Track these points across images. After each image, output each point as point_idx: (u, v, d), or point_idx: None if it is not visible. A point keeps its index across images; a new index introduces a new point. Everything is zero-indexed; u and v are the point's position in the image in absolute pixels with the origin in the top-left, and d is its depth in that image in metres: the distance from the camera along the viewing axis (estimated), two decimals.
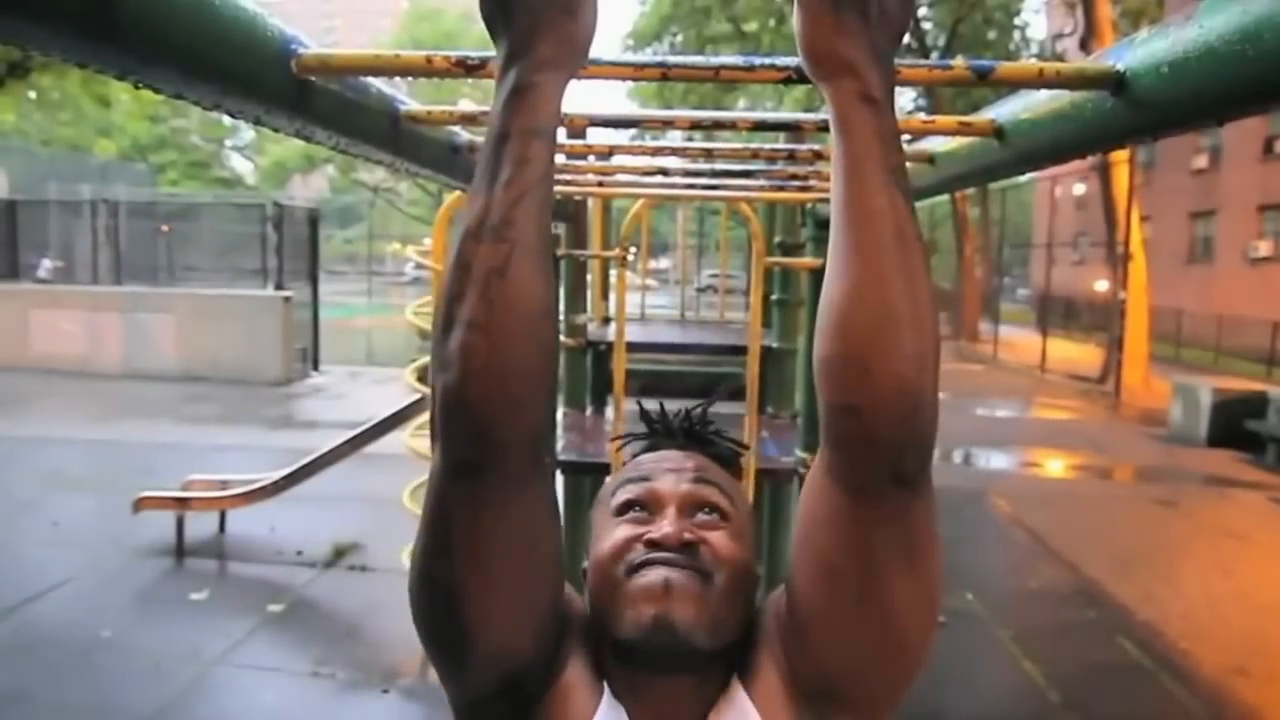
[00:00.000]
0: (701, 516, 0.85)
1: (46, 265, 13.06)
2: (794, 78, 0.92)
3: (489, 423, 0.67)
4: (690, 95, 18.93)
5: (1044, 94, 1.09)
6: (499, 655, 0.78)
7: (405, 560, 3.08)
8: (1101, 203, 14.14)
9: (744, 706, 0.81)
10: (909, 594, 0.74)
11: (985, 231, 21.40)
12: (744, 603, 0.84)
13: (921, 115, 1.18)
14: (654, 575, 0.79)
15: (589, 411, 4.42)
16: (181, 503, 4.73)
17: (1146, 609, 4.62)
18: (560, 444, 3.54)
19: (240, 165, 34.65)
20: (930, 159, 1.60)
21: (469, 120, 1.65)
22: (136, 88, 0.93)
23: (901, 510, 0.72)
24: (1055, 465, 8.33)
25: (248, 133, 34.00)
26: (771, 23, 19.96)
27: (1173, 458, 8.66)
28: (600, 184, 2.63)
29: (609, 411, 4.40)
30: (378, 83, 1.26)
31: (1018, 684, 3.79)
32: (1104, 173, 13.76)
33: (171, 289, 11.88)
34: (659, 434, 0.98)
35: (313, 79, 1.03)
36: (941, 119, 1.33)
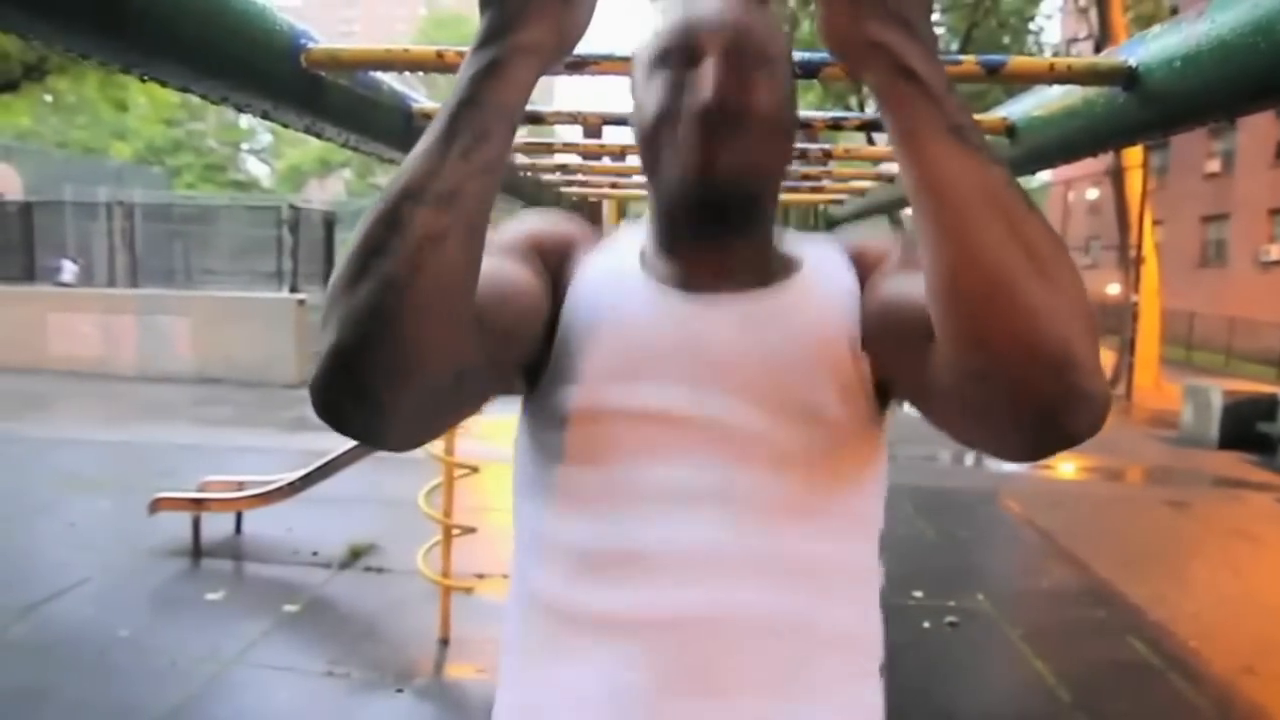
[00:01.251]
0: (745, 63, 0.79)
1: (70, 268, 13.14)
2: (798, 74, 0.93)
3: (378, 390, 0.62)
4: None
5: (1056, 91, 1.09)
6: (509, 357, 0.79)
7: (421, 562, 3.12)
8: (1114, 207, 14.10)
9: (798, 290, 0.83)
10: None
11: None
12: (787, 145, 0.84)
13: None
14: (702, 154, 0.76)
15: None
16: (198, 504, 4.74)
17: (1157, 609, 4.61)
18: None
19: (256, 169, 34.90)
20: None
21: None
22: (143, 81, 0.92)
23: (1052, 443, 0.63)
24: (1066, 467, 8.31)
25: (264, 136, 34.24)
26: (785, 28, 19.96)
27: (1184, 460, 8.65)
28: (615, 185, 2.63)
29: None
30: (390, 81, 1.25)
31: (1028, 683, 3.78)
32: (1117, 177, 13.76)
33: (187, 291, 11.94)
34: None
35: (323, 75, 1.03)
36: None
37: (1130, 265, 13.19)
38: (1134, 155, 12.84)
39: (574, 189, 2.63)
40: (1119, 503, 7.28)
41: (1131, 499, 7.53)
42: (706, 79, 0.77)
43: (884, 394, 0.83)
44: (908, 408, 0.83)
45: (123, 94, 13.38)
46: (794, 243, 0.90)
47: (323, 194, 30.35)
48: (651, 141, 0.81)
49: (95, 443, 7.39)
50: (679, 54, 0.80)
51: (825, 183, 2.36)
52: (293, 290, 11.60)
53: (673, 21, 0.83)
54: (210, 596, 4.24)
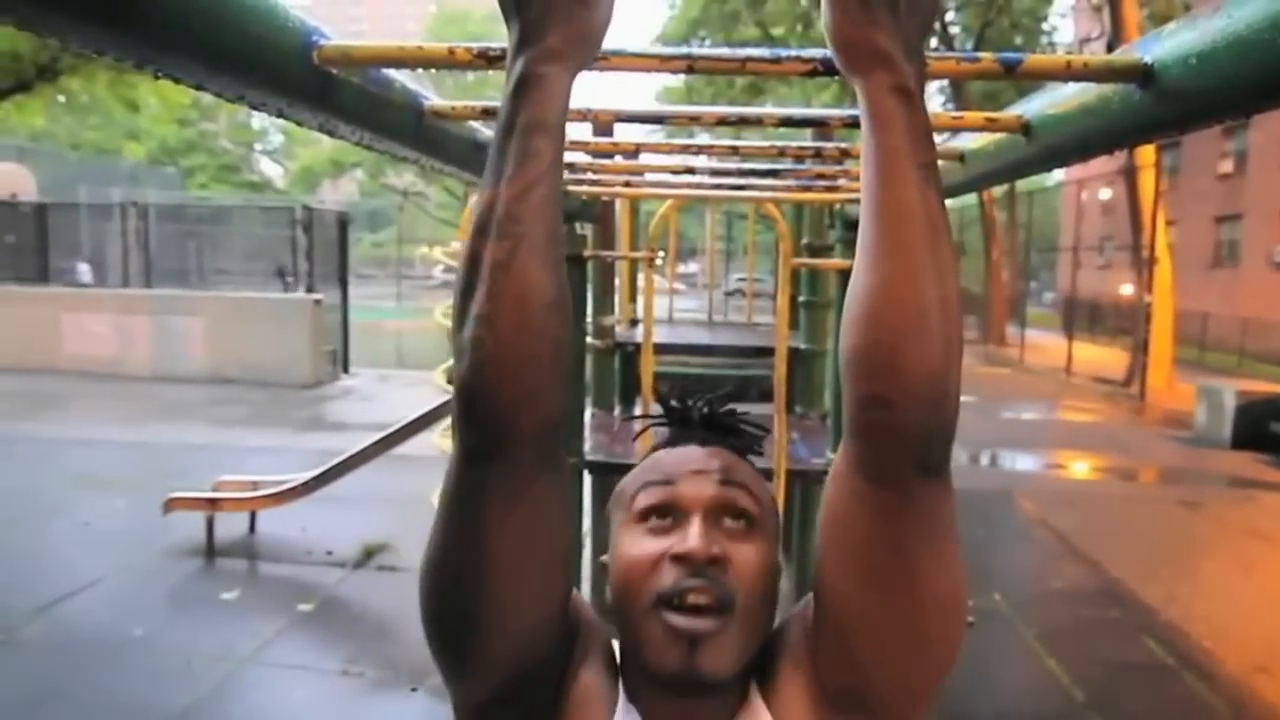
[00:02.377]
0: (728, 523, 0.81)
1: (83, 269, 13.20)
2: (820, 70, 0.91)
3: (500, 413, 0.67)
4: (718, 98, 18.96)
5: (1071, 89, 1.07)
6: (505, 653, 0.77)
7: None
8: (1128, 207, 14.07)
9: (763, 717, 0.81)
10: (937, 584, 0.74)
11: (1012, 235, 21.27)
12: (768, 612, 0.83)
13: (950, 111, 1.19)
14: (682, 624, 0.76)
15: (617, 412, 4.44)
16: (212, 504, 4.77)
17: (1170, 609, 4.60)
18: (588, 445, 3.55)
19: (270, 169, 35.02)
20: (960, 156, 1.59)
21: (493, 115, 1.62)
22: (156, 77, 0.92)
23: (927, 499, 0.72)
24: (1080, 467, 8.30)
25: (277, 137, 34.32)
26: (799, 27, 19.98)
27: (1197, 460, 8.62)
28: (627, 184, 2.63)
29: (637, 412, 4.40)
30: (401, 78, 1.25)
31: (1042, 683, 3.79)
32: (1130, 177, 13.74)
33: (201, 292, 12.00)
34: (680, 423, 0.94)
35: (335, 72, 1.02)
36: (969, 114, 1.31)
37: (1143, 265, 13.16)
38: (1147, 155, 12.79)
39: (586, 188, 2.62)
40: (1132, 503, 7.25)
41: (1145, 499, 7.50)
42: (690, 534, 0.79)
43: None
44: None
45: (133, 93, 13.36)
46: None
47: (335, 194, 30.58)
48: (628, 599, 0.81)
49: (109, 443, 7.44)
50: (662, 511, 0.83)
51: (841, 182, 2.34)
52: (308, 290, 11.62)
53: (656, 479, 0.85)
54: (224, 596, 4.27)
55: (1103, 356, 15.88)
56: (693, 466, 0.85)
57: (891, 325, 0.67)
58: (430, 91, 1.36)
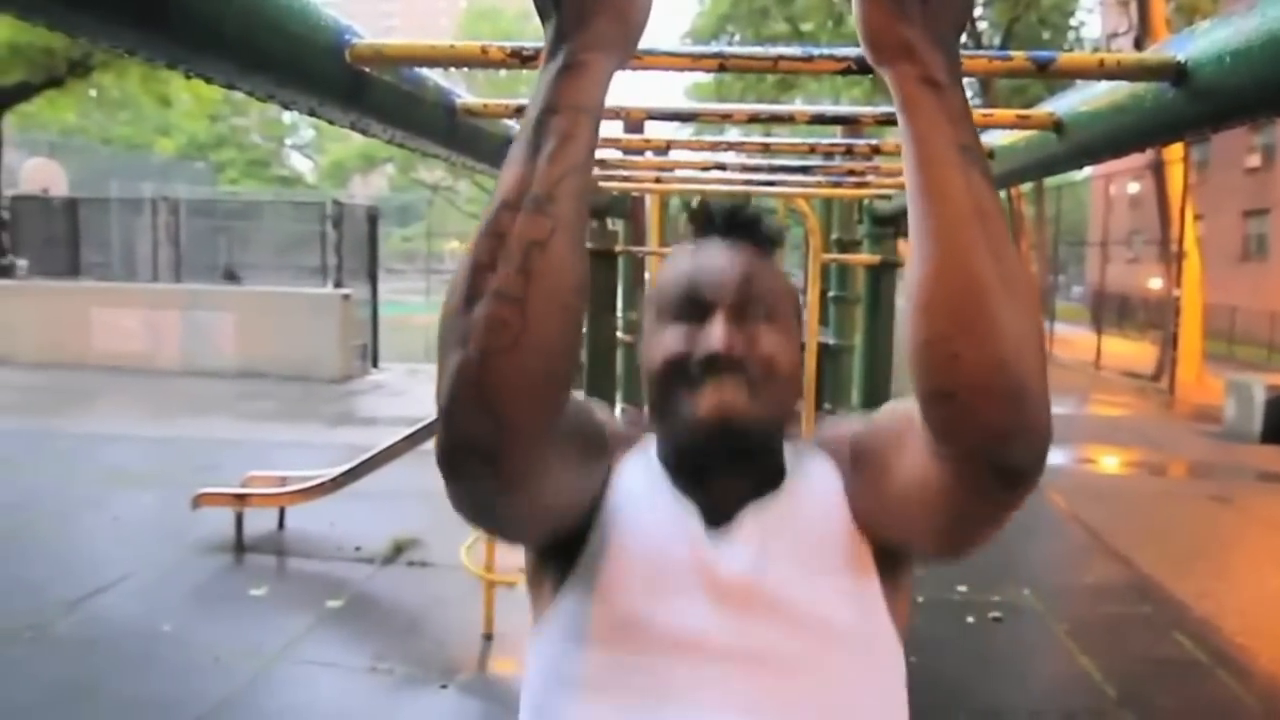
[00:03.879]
0: (751, 313, 0.86)
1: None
2: (853, 68, 0.92)
3: (510, 404, 0.64)
4: (748, 95, 18.86)
5: (1103, 86, 1.08)
6: (548, 525, 0.84)
7: (464, 556, 3.13)
8: (1156, 201, 14.03)
9: (798, 495, 0.89)
10: (987, 534, 0.76)
11: (1040, 230, 21.10)
12: (793, 391, 0.90)
13: (980, 110, 1.18)
14: (710, 399, 0.82)
15: (647, 409, 4.46)
16: (240, 499, 4.80)
17: (1202, 604, 4.54)
18: None
19: (300, 164, 35.30)
20: (990, 154, 1.56)
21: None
22: (188, 77, 0.93)
23: (1006, 504, 0.70)
24: (1110, 461, 8.26)
25: (307, 131, 34.58)
26: (830, 23, 19.88)
27: (1227, 454, 8.54)
28: (658, 180, 2.64)
29: None
30: (434, 76, 1.25)
31: (1074, 678, 3.75)
32: (1158, 171, 13.70)
33: (231, 287, 12.10)
34: (704, 224, 0.97)
35: (368, 71, 1.03)
36: (1000, 112, 1.30)
37: (1172, 260, 13.14)
38: (1175, 150, 12.71)
39: (616, 184, 2.63)
40: (1163, 497, 7.17)
41: (1175, 494, 7.42)
42: (714, 333, 0.84)
43: (893, 560, 0.89)
44: None
45: (165, 89, 13.51)
46: (788, 454, 0.95)
47: (365, 189, 30.76)
48: (661, 387, 0.87)
49: (139, 438, 7.52)
50: (688, 308, 0.87)
51: (870, 178, 2.33)
52: (337, 285, 11.69)
53: (681, 275, 0.90)
54: (253, 592, 4.29)
55: (1132, 350, 15.79)
56: (717, 263, 0.89)
57: (946, 313, 0.64)
58: (462, 89, 1.35)
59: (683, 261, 0.92)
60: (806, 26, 20.25)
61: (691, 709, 0.79)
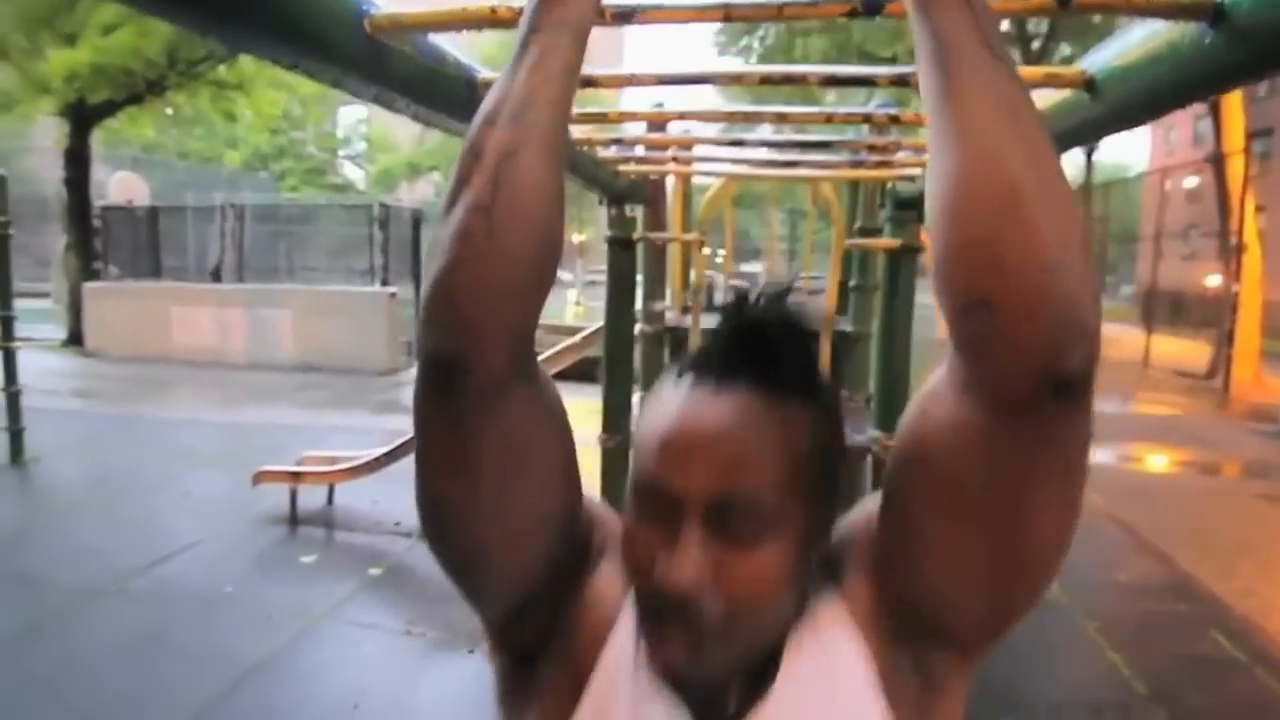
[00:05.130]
0: (734, 523, 0.66)
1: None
2: (859, 10, 0.90)
3: (473, 311, 0.61)
4: (773, 98, 18.62)
5: (1137, 36, 1.00)
6: (511, 574, 0.72)
7: None
8: (1215, 194, 13.39)
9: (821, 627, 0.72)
10: (1046, 527, 0.63)
11: (1087, 227, 20.31)
12: (782, 610, 0.71)
13: None
14: (660, 650, 0.68)
15: None
16: (295, 476, 5.12)
17: (1244, 603, 4.41)
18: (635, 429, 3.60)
19: (352, 173, 36.25)
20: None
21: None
22: (203, 37, 1.01)
23: (1062, 426, 0.60)
24: (1156, 460, 7.97)
25: (359, 143, 35.47)
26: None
27: None
28: (675, 159, 2.63)
29: None
30: (455, 52, 1.25)
31: (1100, 672, 3.68)
32: (1218, 164, 13.04)
33: (289, 285, 12.59)
34: (704, 359, 0.73)
35: (389, 44, 1.05)
36: (1027, 70, 1.10)
37: (1231, 254, 12.50)
38: (1235, 139, 12.23)
39: (635, 166, 2.63)
40: (1210, 497, 6.95)
41: (1224, 493, 7.18)
42: (671, 564, 0.65)
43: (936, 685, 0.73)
44: None
45: (231, 105, 14.23)
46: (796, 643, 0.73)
47: (412, 195, 31.37)
48: (628, 568, 0.72)
49: (209, 423, 7.98)
50: (655, 502, 0.68)
51: (900, 155, 2.21)
52: (384, 284, 12.10)
53: (650, 449, 0.69)
54: (304, 559, 4.59)
55: (1184, 349, 15.03)
56: (700, 434, 0.67)
57: (980, 213, 0.57)
58: (480, 66, 1.41)
59: (658, 420, 0.70)
60: None
61: None
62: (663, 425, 0.69)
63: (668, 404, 0.71)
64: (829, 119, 1.99)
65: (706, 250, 4.72)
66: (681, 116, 2.31)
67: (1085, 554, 5.45)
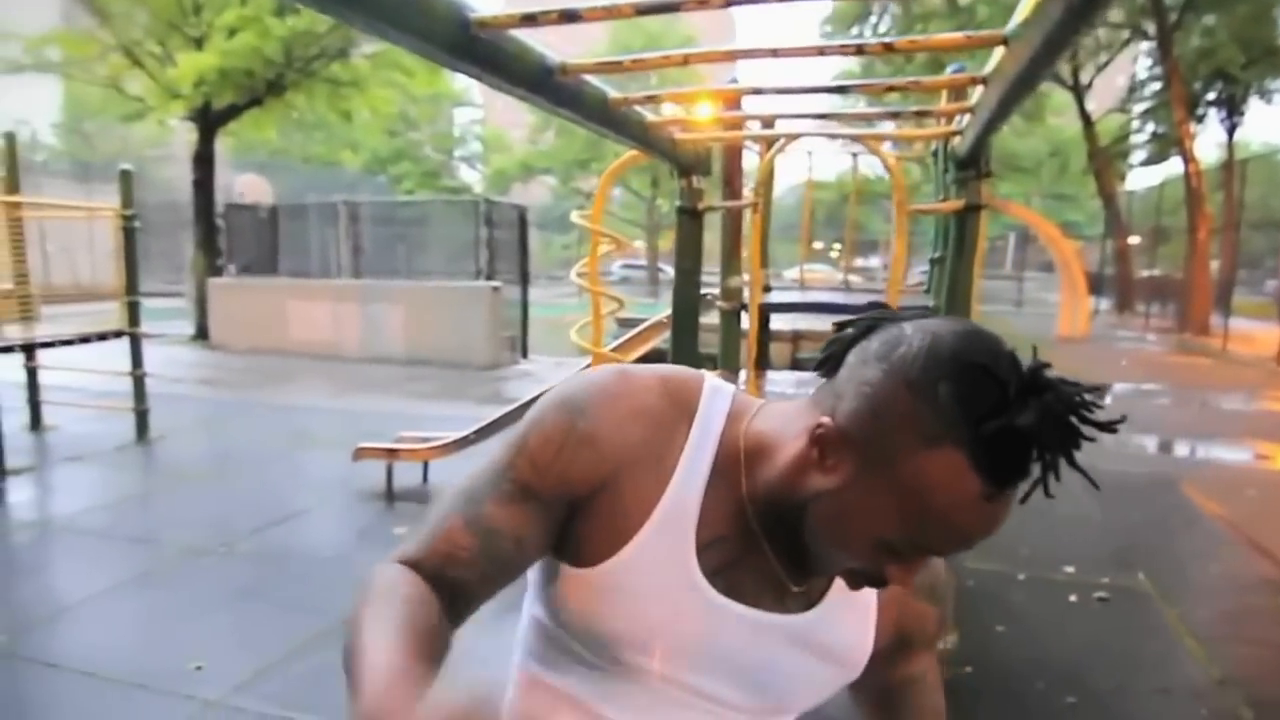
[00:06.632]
0: None
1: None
2: None
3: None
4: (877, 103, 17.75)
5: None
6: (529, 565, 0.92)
7: None
8: None
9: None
10: None
11: (1228, 213, 18.89)
12: None
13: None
14: (853, 586, 0.85)
15: (742, 376, 4.59)
16: (391, 453, 5.47)
17: None
18: None
19: (467, 175, 37.07)
20: (1003, 41, 1.58)
21: (618, 69, 1.91)
22: (320, 10, 1.32)
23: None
24: (1273, 456, 7.60)
25: (474, 145, 36.31)
26: None
27: None
28: (743, 125, 2.67)
29: (767, 375, 4.43)
30: (539, 45, 1.64)
31: (1175, 658, 3.63)
32: None
33: (399, 282, 13.18)
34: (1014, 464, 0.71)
35: (484, 37, 1.42)
36: (952, 35, 1.32)
37: None
38: None
39: (692, 135, 2.74)
40: None
41: None
42: (914, 579, 0.80)
43: None
44: None
45: (347, 105, 14.82)
46: None
47: (526, 197, 31.95)
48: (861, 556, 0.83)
49: (321, 409, 8.61)
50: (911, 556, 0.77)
51: (950, 121, 2.34)
52: (488, 279, 12.52)
53: (954, 543, 0.74)
54: (397, 530, 4.89)
55: None
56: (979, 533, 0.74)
57: None
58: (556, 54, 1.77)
59: (967, 520, 0.71)
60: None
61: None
62: (971, 528, 0.72)
63: (984, 513, 0.71)
64: (890, 89, 2.19)
65: (818, 244, 4.73)
66: (757, 91, 2.42)
67: (1180, 546, 5.28)
